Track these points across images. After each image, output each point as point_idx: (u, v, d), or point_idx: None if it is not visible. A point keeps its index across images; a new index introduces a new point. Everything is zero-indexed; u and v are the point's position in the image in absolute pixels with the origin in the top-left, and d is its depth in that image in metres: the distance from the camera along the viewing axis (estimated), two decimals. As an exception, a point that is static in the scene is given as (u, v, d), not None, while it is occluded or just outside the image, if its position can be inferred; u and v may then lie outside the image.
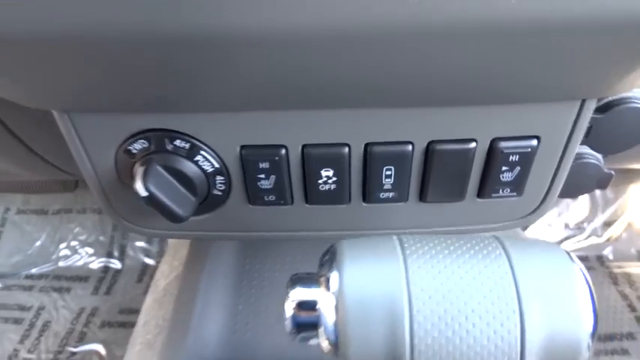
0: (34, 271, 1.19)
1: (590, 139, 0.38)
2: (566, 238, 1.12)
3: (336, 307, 0.22)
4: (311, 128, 0.34)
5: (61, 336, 1.05)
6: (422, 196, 0.38)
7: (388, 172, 0.36)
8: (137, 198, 0.37)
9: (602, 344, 0.94)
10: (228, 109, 0.33)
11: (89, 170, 0.37)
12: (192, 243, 0.68)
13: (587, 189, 0.44)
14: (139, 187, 0.33)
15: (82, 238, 1.23)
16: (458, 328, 0.21)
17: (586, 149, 0.41)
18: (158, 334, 0.66)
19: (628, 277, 1.06)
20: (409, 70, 0.28)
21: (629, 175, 1.10)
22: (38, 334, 1.05)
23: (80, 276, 1.17)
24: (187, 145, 0.35)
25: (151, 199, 0.34)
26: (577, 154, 0.39)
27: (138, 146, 0.35)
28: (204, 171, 0.36)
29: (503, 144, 0.34)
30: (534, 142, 0.35)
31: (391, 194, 0.37)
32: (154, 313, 0.71)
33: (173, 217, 0.35)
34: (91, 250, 1.21)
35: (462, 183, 0.37)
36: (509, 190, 0.37)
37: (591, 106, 0.34)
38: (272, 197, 0.38)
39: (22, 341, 1.04)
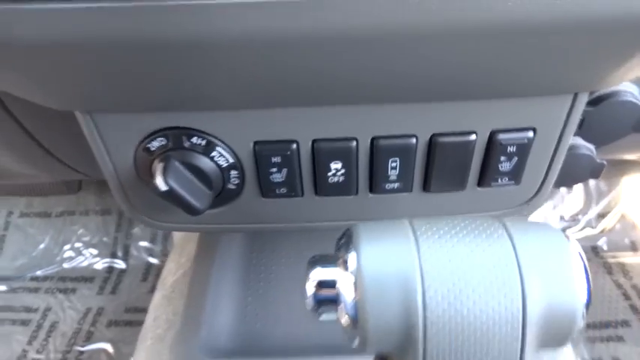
0: (38, 273, 1.20)
1: (583, 130, 0.40)
2: (562, 230, 1.14)
3: (355, 285, 0.24)
4: (321, 124, 0.36)
5: (69, 336, 1.06)
6: (425, 186, 0.40)
7: (393, 164, 0.38)
8: (155, 194, 0.39)
9: (597, 331, 0.96)
10: (243, 107, 0.35)
11: (109, 168, 0.39)
12: (200, 240, 0.70)
13: (581, 178, 0.46)
14: (160, 182, 0.35)
15: (86, 239, 1.24)
16: (465, 300, 0.23)
17: (579, 140, 0.43)
18: (168, 329, 0.67)
19: (622, 266, 1.08)
20: (413, 68, 0.30)
21: (621, 168, 1.12)
22: (46, 335, 1.06)
23: (85, 277, 1.18)
24: (204, 142, 0.37)
25: (171, 194, 0.35)
26: (571, 145, 0.41)
27: (156, 144, 0.37)
28: (219, 166, 0.38)
29: (501, 135, 0.37)
30: (531, 133, 0.37)
31: (396, 185, 0.39)
32: (163, 309, 0.72)
33: (191, 210, 0.37)
34: (95, 251, 1.22)
35: (463, 173, 0.39)
36: (507, 179, 0.39)
37: (584, 99, 0.36)
38: (283, 190, 0.40)
39: (30, 342, 1.05)
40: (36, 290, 1.16)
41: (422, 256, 0.24)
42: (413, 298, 0.23)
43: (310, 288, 0.26)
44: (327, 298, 0.25)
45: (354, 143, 0.37)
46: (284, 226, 0.43)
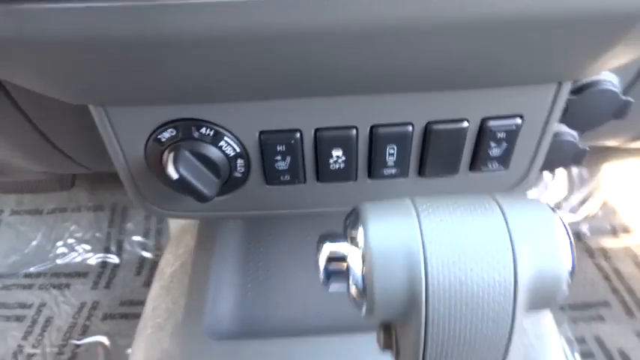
0: (32, 270, 1.19)
1: (567, 117, 0.42)
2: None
3: (363, 258, 0.26)
4: (323, 113, 0.38)
5: (64, 330, 1.06)
6: (420, 172, 0.42)
7: (391, 151, 0.40)
8: (165, 183, 0.40)
9: (579, 312, 1.00)
10: (249, 98, 0.37)
11: (121, 159, 0.40)
12: (199, 231, 0.71)
13: (565, 163, 0.48)
14: (171, 170, 0.37)
15: (79, 235, 1.24)
16: (463, 268, 0.25)
17: (563, 127, 0.45)
18: (168, 318, 0.69)
19: (603, 251, 1.12)
20: (411, 61, 0.32)
21: (602, 155, 1.16)
22: (41, 330, 1.06)
23: (79, 272, 1.18)
24: (212, 132, 0.38)
25: (182, 181, 0.37)
26: (555, 131, 0.43)
27: (167, 135, 0.38)
28: (226, 155, 0.40)
29: (491, 122, 0.39)
30: (519, 120, 0.39)
31: (393, 170, 0.41)
32: (162, 299, 0.73)
33: (200, 197, 0.39)
34: (88, 247, 1.22)
35: (456, 158, 0.41)
36: (497, 164, 0.42)
37: (567, 88, 0.38)
38: (287, 177, 0.41)
39: (25, 337, 1.05)
40: (29, 287, 1.16)
41: (423, 231, 0.26)
42: (416, 268, 0.26)
43: (321, 262, 0.28)
44: (336, 271, 0.28)
45: (354, 131, 0.39)
46: (287, 212, 0.45)
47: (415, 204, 0.27)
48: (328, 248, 0.28)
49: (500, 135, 0.40)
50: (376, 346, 0.54)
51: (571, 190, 1.18)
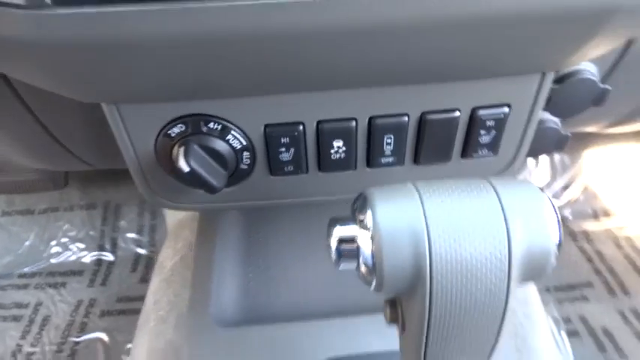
0: (26, 270, 1.19)
1: (550, 105, 0.45)
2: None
3: (372, 238, 0.29)
4: (324, 106, 0.40)
5: (62, 328, 1.06)
6: (416, 159, 0.44)
7: (388, 140, 0.43)
8: (174, 176, 0.42)
9: (564, 293, 1.04)
10: (255, 94, 0.39)
11: (131, 154, 0.42)
12: (199, 224, 0.73)
13: (549, 149, 0.50)
14: (182, 164, 0.39)
15: (72, 234, 1.24)
16: (463, 244, 0.28)
17: (547, 115, 0.48)
18: (171, 310, 0.71)
19: (586, 234, 1.16)
20: (407, 56, 0.34)
21: (583, 142, 1.20)
22: (39, 329, 1.07)
23: (74, 270, 1.18)
24: (219, 127, 0.40)
25: (193, 174, 0.39)
26: (540, 119, 0.46)
27: (176, 130, 0.40)
28: (233, 148, 0.41)
29: (481, 111, 0.41)
30: (506, 109, 0.42)
31: (390, 159, 0.44)
32: (163, 292, 0.75)
33: (209, 189, 0.41)
34: (82, 245, 1.22)
35: (449, 146, 0.43)
36: (486, 150, 0.44)
37: (550, 77, 0.41)
38: (290, 167, 0.43)
39: (23, 337, 1.05)
40: (25, 287, 1.16)
41: (426, 211, 0.29)
42: (421, 246, 0.28)
43: (333, 243, 0.30)
44: (346, 251, 0.30)
45: (354, 123, 0.41)
46: (290, 201, 0.47)
47: (417, 187, 0.30)
48: (339, 231, 0.30)
49: (490, 123, 0.42)
50: (375, 326, 0.57)
51: (554, 176, 1.22)
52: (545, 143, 0.49)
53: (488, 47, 0.34)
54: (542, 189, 0.31)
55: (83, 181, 1.28)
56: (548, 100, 0.44)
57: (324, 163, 0.43)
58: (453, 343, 0.31)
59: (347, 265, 0.31)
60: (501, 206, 0.29)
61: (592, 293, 1.05)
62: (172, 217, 0.89)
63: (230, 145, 0.41)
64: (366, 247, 0.29)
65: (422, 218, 0.28)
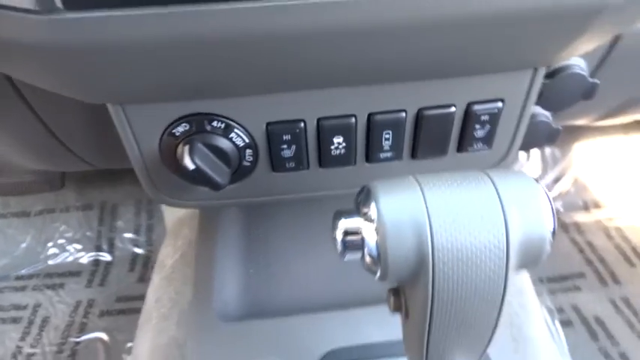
0: (23, 272, 1.19)
1: (542, 100, 0.46)
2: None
3: (377, 230, 0.30)
4: (325, 104, 0.41)
5: (62, 329, 1.07)
6: (413, 154, 0.46)
7: (387, 136, 0.44)
8: (179, 174, 0.43)
9: (557, 284, 1.06)
10: (257, 93, 0.40)
11: (136, 153, 0.43)
12: (200, 222, 0.74)
13: (541, 142, 0.52)
14: (188, 162, 0.39)
15: (69, 235, 1.24)
16: (463, 233, 0.29)
17: (538, 109, 0.49)
18: (173, 307, 0.71)
19: (577, 225, 1.19)
20: (405, 55, 0.35)
21: (573, 136, 1.23)
22: (39, 330, 1.07)
23: (72, 271, 1.19)
24: (223, 125, 0.41)
25: (198, 172, 0.40)
26: (532, 113, 0.47)
27: (181, 129, 0.41)
28: (236, 145, 0.42)
29: (476, 107, 0.43)
30: (500, 103, 0.43)
31: (389, 154, 0.45)
32: (164, 290, 0.76)
33: (214, 186, 0.41)
34: (79, 246, 1.23)
35: (445, 141, 0.45)
36: (481, 144, 0.46)
37: (542, 73, 0.42)
38: (292, 164, 0.44)
39: (23, 338, 1.06)
40: (23, 288, 1.16)
41: (428, 203, 0.30)
42: (423, 236, 0.29)
43: (339, 235, 0.32)
44: (351, 242, 0.31)
45: (353, 119, 0.42)
46: (292, 197, 0.48)
47: (418, 180, 0.31)
48: (344, 224, 0.32)
49: (484, 118, 0.43)
50: (375, 318, 0.58)
51: (545, 169, 1.24)
52: (537, 137, 0.50)
53: (484, 45, 0.36)
54: (536, 179, 0.32)
55: (79, 182, 1.29)
56: (540, 95, 0.45)
57: (325, 158, 0.45)
58: (454, 329, 0.32)
59: (352, 256, 0.32)
60: (499, 197, 0.30)
61: (584, 283, 1.07)
62: (171, 215, 0.90)
63: (233, 142, 0.42)
64: (370, 238, 0.30)
65: (424, 210, 0.30)
